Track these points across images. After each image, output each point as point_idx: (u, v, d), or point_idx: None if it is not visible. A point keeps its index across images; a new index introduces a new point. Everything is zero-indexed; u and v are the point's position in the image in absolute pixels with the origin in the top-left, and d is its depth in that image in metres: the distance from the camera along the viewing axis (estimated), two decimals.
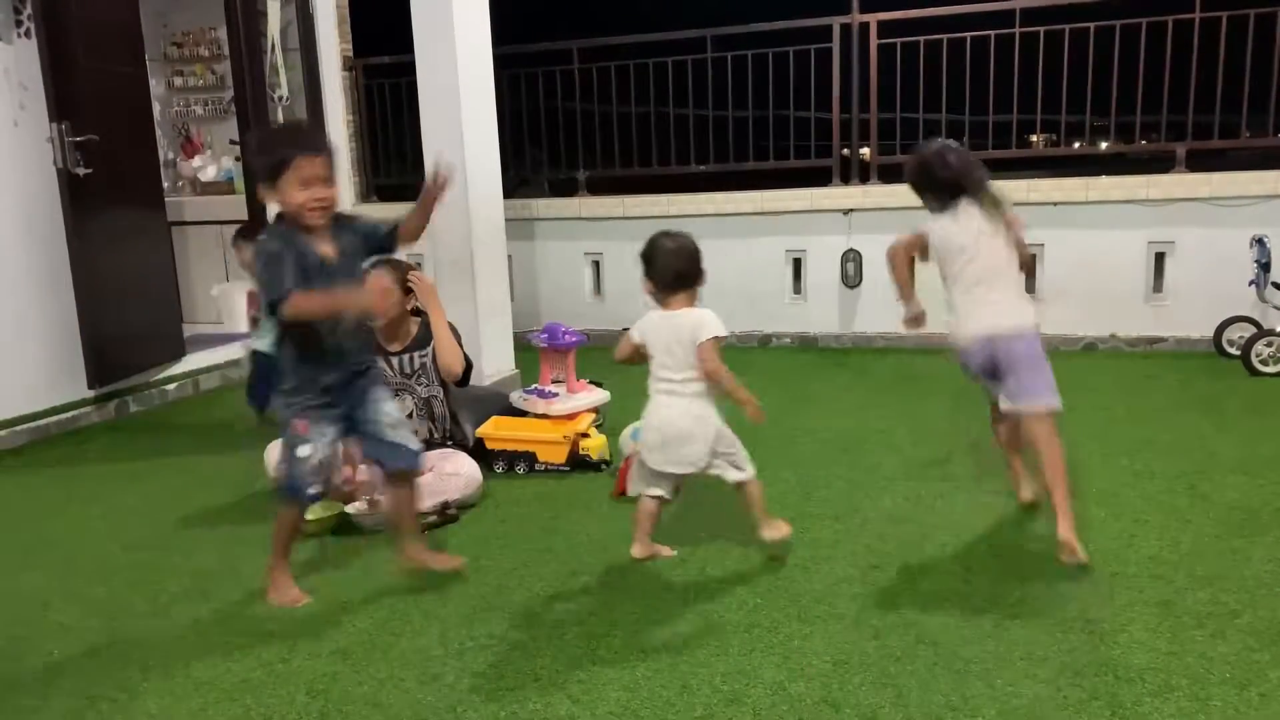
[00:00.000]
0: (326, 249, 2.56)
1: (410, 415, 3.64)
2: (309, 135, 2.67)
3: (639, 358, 2.84)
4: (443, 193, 2.73)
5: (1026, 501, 3.16)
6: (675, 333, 2.74)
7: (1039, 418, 2.83)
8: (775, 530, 2.87)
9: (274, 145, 2.60)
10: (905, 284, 3.07)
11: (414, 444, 2.79)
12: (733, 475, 2.82)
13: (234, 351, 5.77)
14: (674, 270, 2.76)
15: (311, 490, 2.66)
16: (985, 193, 2.87)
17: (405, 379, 3.61)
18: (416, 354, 3.60)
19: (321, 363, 2.61)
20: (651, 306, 2.83)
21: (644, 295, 2.85)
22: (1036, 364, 2.85)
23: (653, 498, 2.87)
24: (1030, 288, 5.80)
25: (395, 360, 3.58)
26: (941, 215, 2.93)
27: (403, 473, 2.78)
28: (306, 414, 2.62)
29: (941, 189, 2.91)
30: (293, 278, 2.46)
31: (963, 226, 2.87)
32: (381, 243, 2.74)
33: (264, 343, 4.15)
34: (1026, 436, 2.90)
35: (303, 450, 2.61)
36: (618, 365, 2.91)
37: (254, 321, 4.42)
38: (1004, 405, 2.92)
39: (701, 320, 2.73)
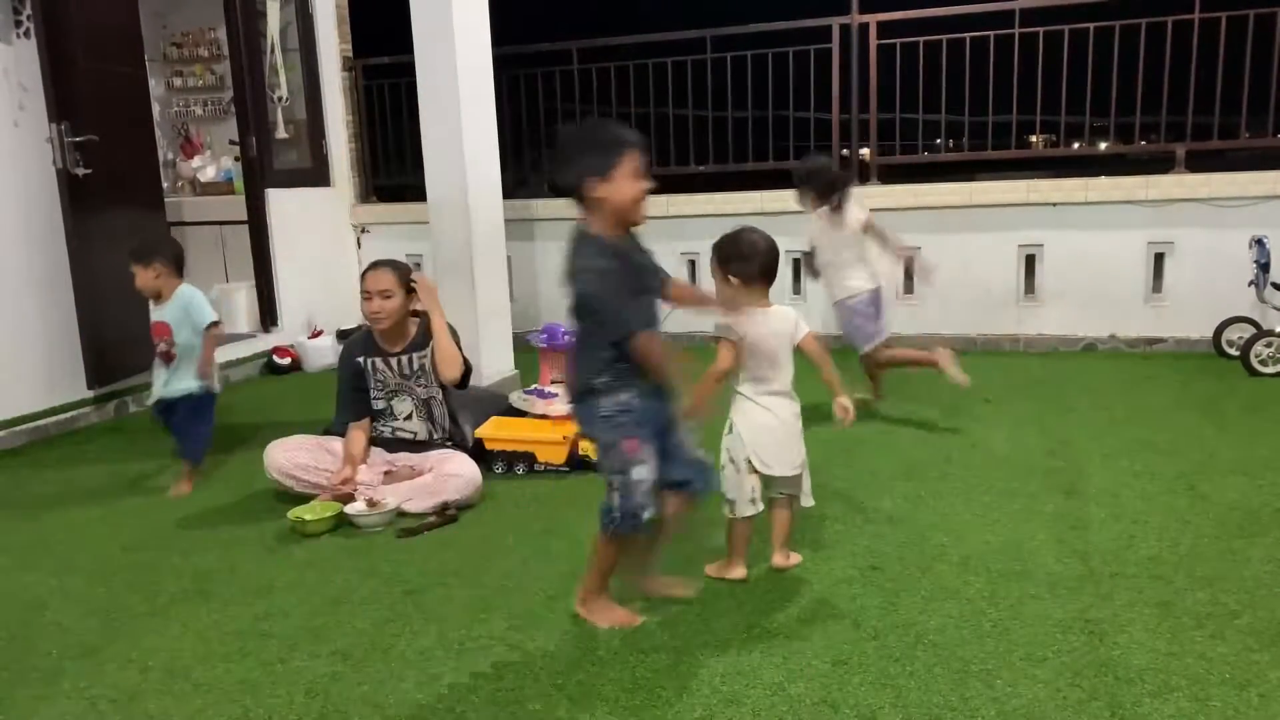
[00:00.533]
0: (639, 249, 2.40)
1: (409, 416, 3.64)
2: (630, 129, 2.40)
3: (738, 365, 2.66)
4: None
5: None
6: (778, 332, 2.67)
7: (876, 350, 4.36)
8: (788, 560, 2.82)
9: (604, 136, 2.37)
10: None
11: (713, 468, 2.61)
12: (807, 499, 2.79)
13: (236, 351, 5.79)
14: (769, 267, 2.67)
15: (647, 515, 2.39)
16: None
17: (404, 380, 3.61)
18: (415, 355, 3.60)
19: (643, 386, 2.38)
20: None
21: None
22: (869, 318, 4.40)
23: (751, 517, 2.71)
24: (1028, 287, 5.82)
25: (394, 361, 3.58)
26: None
27: (699, 497, 2.57)
28: (635, 433, 2.37)
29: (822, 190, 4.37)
30: (636, 308, 2.30)
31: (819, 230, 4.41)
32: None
33: (186, 383, 3.83)
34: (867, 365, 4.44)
35: (639, 472, 2.36)
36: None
37: (167, 357, 3.84)
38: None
39: (797, 317, 2.71)
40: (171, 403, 3.86)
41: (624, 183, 2.29)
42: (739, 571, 2.74)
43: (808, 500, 2.79)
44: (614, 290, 2.28)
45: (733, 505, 2.70)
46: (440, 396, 3.68)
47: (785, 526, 2.80)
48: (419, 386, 3.63)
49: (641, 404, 2.38)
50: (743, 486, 2.68)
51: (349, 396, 3.62)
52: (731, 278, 2.66)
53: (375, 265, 3.58)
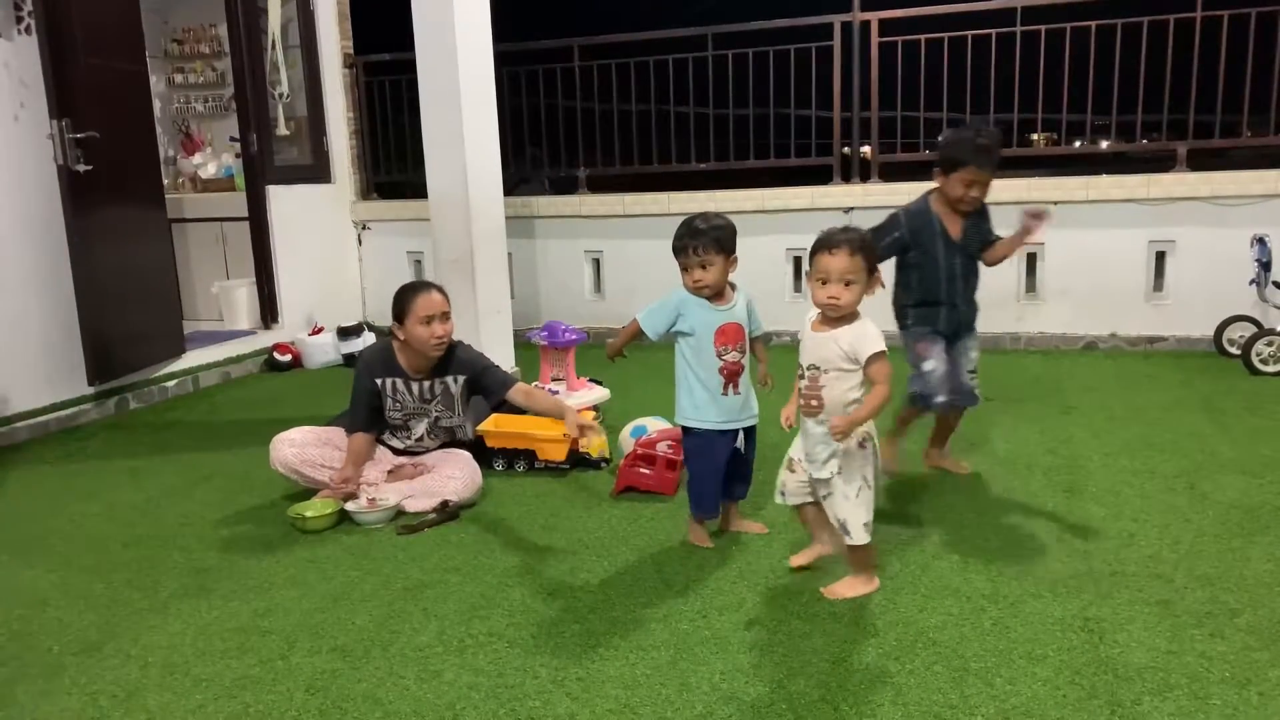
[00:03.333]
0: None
1: (421, 438, 3.62)
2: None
3: None
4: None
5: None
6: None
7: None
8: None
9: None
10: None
11: (978, 389, 3.46)
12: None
13: (236, 348, 5.80)
14: None
15: (940, 399, 3.27)
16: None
17: (424, 404, 3.56)
18: (438, 380, 3.54)
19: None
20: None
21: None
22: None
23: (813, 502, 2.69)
24: (1029, 286, 5.82)
25: (415, 385, 3.53)
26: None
27: (960, 411, 3.48)
28: (926, 339, 3.27)
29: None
30: None
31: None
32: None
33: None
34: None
35: (928, 365, 3.25)
36: (615, 363, 2.91)
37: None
38: None
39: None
40: None
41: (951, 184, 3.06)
42: (875, 583, 2.64)
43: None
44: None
45: (869, 528, 2.57)
46: (463, 423, 3.65)
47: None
48: (436, 410, 3.60)
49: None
50: (869, 511, 2.57)
51: (363, 410, 3.53)
52: (876, 270, 2.56)
53: (427, 286, 3.47)
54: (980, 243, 3.40)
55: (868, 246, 2.53)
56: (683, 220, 2.87)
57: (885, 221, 3.41)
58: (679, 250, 2.83)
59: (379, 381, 3.51)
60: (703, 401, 2.87)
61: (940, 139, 3.90)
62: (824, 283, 2.50)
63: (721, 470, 2.92)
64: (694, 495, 2.98)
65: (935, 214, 3.34)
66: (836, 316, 2.54)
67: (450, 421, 3.62)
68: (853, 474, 2.55)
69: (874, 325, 2.55)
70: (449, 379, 3.55)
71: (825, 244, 2.50)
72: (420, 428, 3.61)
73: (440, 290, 3.49)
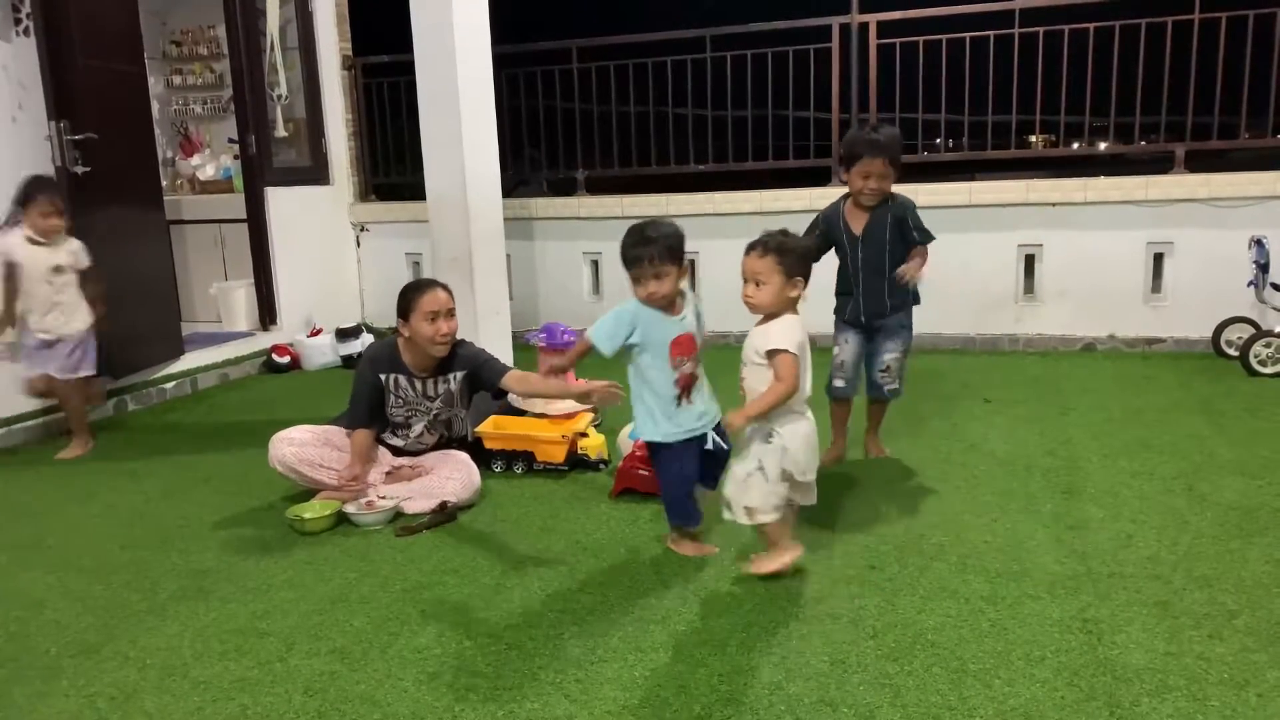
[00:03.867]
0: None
1: (421, 434, 3.62)
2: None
3: None
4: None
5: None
6: (806, 338, 2.68)
7: None
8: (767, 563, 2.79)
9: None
10: None
11: (889, 387, 3.59)
12: (811, 497, 2.80)
13: (234, 350, 5.79)
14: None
15: (835, 383, 3.61)
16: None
17: (427, 401, 3.57)
18: (441, 378, 3.55)
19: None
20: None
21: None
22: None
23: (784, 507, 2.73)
24: (1027, 287, 5.82)
25: (419, 382, 3.53)
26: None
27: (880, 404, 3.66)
28: (837, 326, 3.47)
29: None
30: None
31: None
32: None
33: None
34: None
35: (834, 351, 3.44)
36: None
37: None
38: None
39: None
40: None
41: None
42: (791, 552, 2.71)
43: (810, 497, 2.81)
44: None
45: (752, 513, 2.65)
46: (462, 415, 3.66)
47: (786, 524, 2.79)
48: (438, 406, 3.60)
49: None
50: (769, 496, 2.65)
51: (364, 406, 3.53)
52: (801, 281, 2.66)
53: (432, 284, 3.48)
54: (899, 242, 3.55)
55: (783, 249, 2.64)
56: (630, 228, 2.78)
57: (812, 220, 3.70)
58: (632, 261, 2.75)
59: (383, 377, 3.51)
60: (660, 415, 2.82)
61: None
62: (745, 282, 2.68)
63: (692, 478, 2.89)
64: (668, 506, 2.96)
65: (842, 210, 3.61)
66: (759, 314, 2.69)
67: (447, 414, 3.63)
68: (749, 458, 2.66)
69: (788, 324, 2.65)
70: (451, 376, 3.55)
71: (748, 246, 2.68)
72: (420, 425, 3.61)
73: (445, 288, 3.49)
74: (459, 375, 3.55)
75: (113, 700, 2.25)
